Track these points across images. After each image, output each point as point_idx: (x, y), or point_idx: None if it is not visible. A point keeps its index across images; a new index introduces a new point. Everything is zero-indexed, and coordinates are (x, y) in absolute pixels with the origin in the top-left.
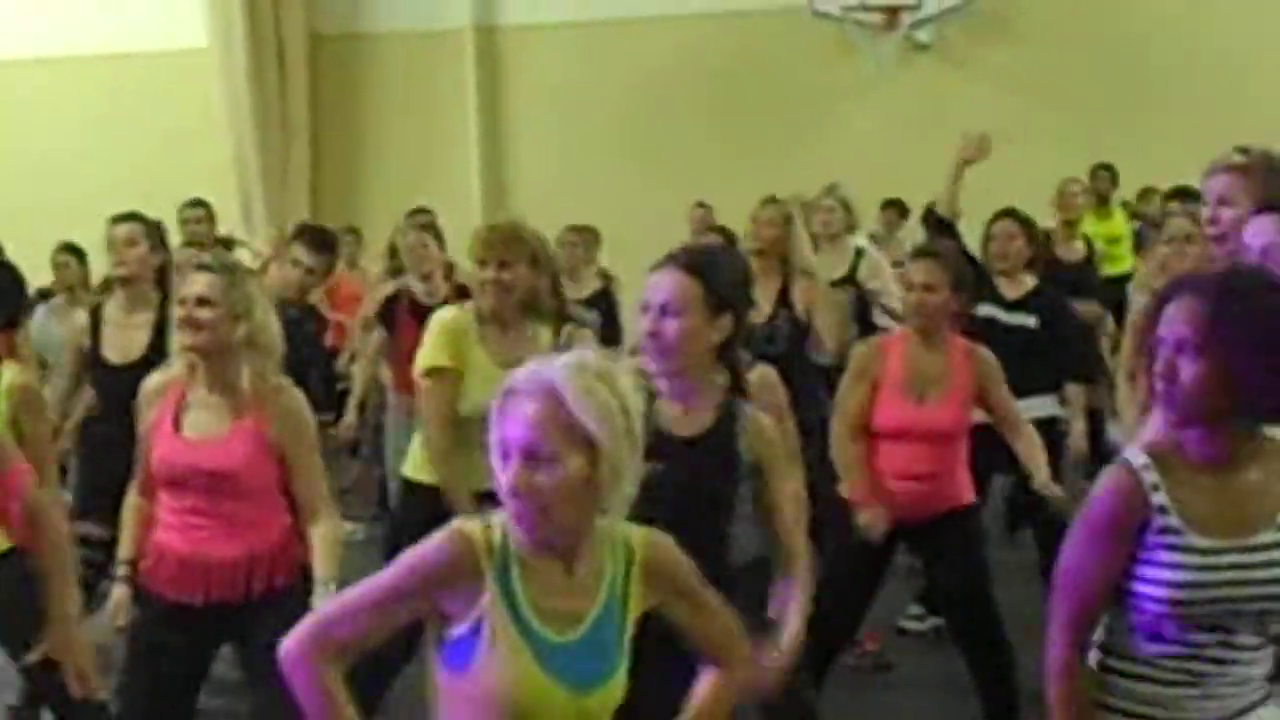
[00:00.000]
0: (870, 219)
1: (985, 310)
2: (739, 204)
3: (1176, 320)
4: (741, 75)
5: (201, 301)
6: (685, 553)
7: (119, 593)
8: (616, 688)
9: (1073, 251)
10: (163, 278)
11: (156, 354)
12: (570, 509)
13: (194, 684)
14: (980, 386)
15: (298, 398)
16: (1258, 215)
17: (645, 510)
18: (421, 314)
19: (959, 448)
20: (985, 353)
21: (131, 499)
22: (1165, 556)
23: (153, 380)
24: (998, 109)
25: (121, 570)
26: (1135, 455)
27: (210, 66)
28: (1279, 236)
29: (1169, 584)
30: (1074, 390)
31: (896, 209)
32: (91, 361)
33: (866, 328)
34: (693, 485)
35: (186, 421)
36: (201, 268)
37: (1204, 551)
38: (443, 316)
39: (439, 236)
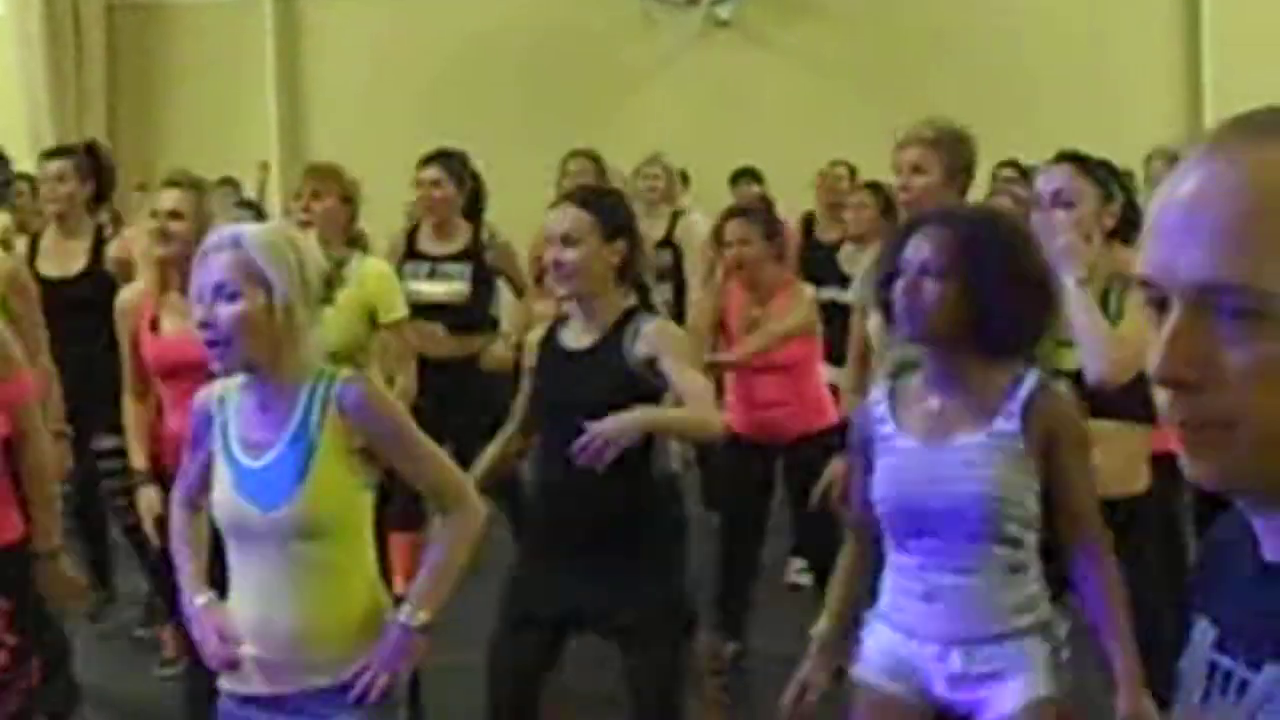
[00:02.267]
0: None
1: (827, 294)
2: (542, 177)
3: (923, 247)
4: (546, 49)
5: (173, 214)
6: (575, 468)
7: (147, 494)
8: (305, 506)
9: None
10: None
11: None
12: (249, 339)
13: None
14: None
15: None
16: (1052, 164)
17: (536, 420)
18: None
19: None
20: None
21: (129, 407)
22: (880, 460)
23: (125, 295)
24: (798, 88)
25: (140, 476)
26: (877, 390)
27: (6, 34)
28: (1069, 182)
29: (879, 482)
30: None
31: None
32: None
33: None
34: (573, 393)
35: (164, 324)
36: (172, 184)
37: (906, 451)
38: None
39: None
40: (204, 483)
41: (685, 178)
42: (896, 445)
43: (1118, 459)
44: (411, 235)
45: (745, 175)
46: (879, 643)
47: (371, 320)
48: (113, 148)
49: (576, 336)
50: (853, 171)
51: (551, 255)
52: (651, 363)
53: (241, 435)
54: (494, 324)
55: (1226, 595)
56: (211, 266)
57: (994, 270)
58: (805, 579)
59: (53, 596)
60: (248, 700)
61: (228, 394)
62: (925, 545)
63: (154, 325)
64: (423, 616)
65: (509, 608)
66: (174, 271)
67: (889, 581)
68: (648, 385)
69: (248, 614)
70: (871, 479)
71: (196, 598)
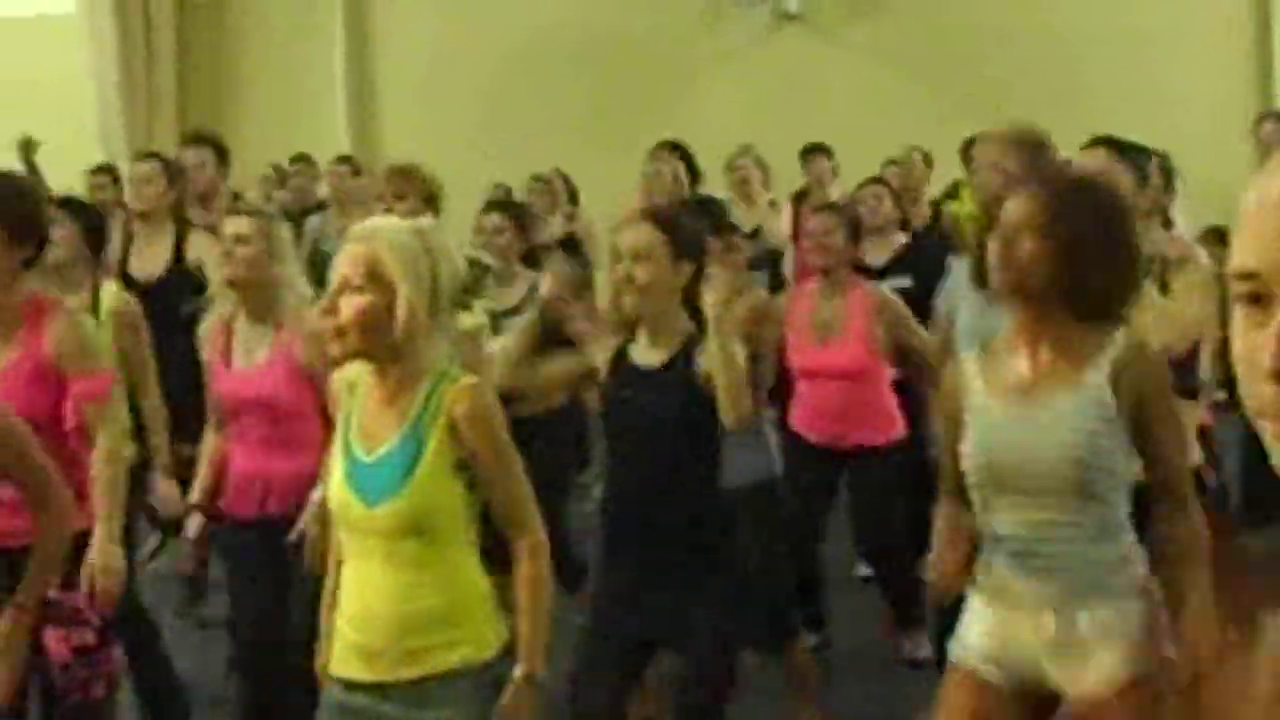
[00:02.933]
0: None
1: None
2: (608, 172)
3: (1021, 203)
4: (612, 43)
5: (238, 239)
6: (657, 478)
7: (196, 520)
8: (403, 507)
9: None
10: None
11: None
12: (366, 334)
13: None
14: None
15: None
16: (1087, 149)
17: (614, 435)
18: None
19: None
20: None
21: (208, 436)
22: (970, 427)
23: (204, 324)
24: (867, 81)
25: (191, 508)
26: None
27: (77, 33)
28: (1104, 166)
29: (968, 443)
30: None
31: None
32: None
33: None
34: (649, 410)
35: (234, 359)
36: (234, 211)
37: (997, 413)
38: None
39: None
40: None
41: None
42: (987, 405)
43: None
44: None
45: (815, 151)
46: (977, 619)
47: None
48: (184, 139)
49: (642, 355)
50: (927, 158)
51: (620, 271)
52: (710, 380)
53: (362, 425)
54: None
55: None
56: (344, 257)
57: (1091, 231)
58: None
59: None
60: (349, 686)
61: (359, 381)
62: (1015, 503)
63: (226, 357)
64: (538, 665)
65: (595, 624)
66: (246, 298)
67: (984, 550)
68: (713, 399)
69: (352, 603)
70: (962, 440)
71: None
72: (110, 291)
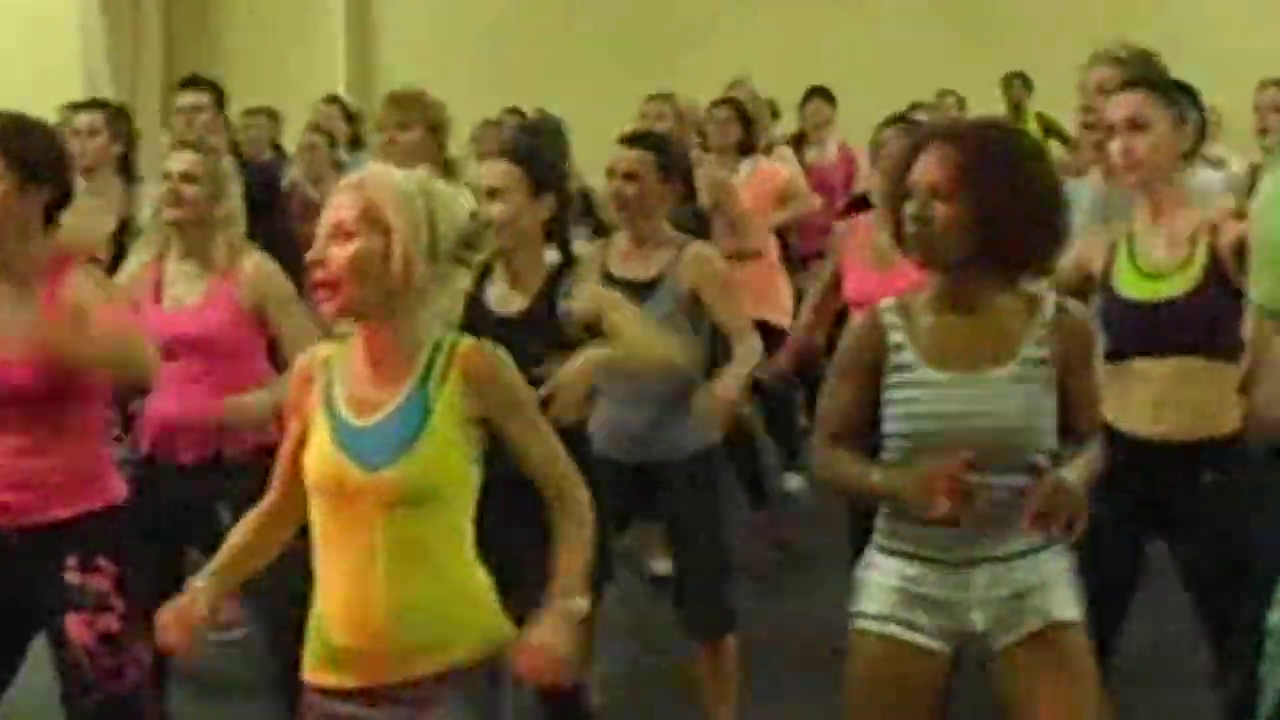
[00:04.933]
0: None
1: None
2: (612, 112)
3: (931, 166)
4: None
5: (185, 177)
6: None
7: None
8: (412, 468)
9: None
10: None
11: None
12: (359, 283)
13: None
14: None
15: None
16: (1123, 90)
17: None
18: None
19: None
20: None
21: None
22: (900, 393)
23: (130, 263)
24: (902, 12)
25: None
26: (883, 301)
27: None
28: (1140, 107)
29: (903, 417)
30: None
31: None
32: None
33: None
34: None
35: (166, 295)
36: (185, 145)
37: (936, 385)
38: None
39: None
40: (293, 470)
41: (775, 111)
42: (922, 377)
43: (1211, 396)
44: None
45: (817, 94)
46: (885, 580)
47: None
48: (170, 79)
49: (501, 300)
50: (961, 103)
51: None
52: (589, 324)
53: (350, 393)
54: None
55: None
56: (333, 205)
57: (1002, 188)
58: None
59: None
60: (333, 694)
61: (334, 356)
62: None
63: (157, 295)
64: (582, 603)
65: None
66: (185, 237)
67: (893, 512)
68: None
69: (335, 599)
70: (880, 405)
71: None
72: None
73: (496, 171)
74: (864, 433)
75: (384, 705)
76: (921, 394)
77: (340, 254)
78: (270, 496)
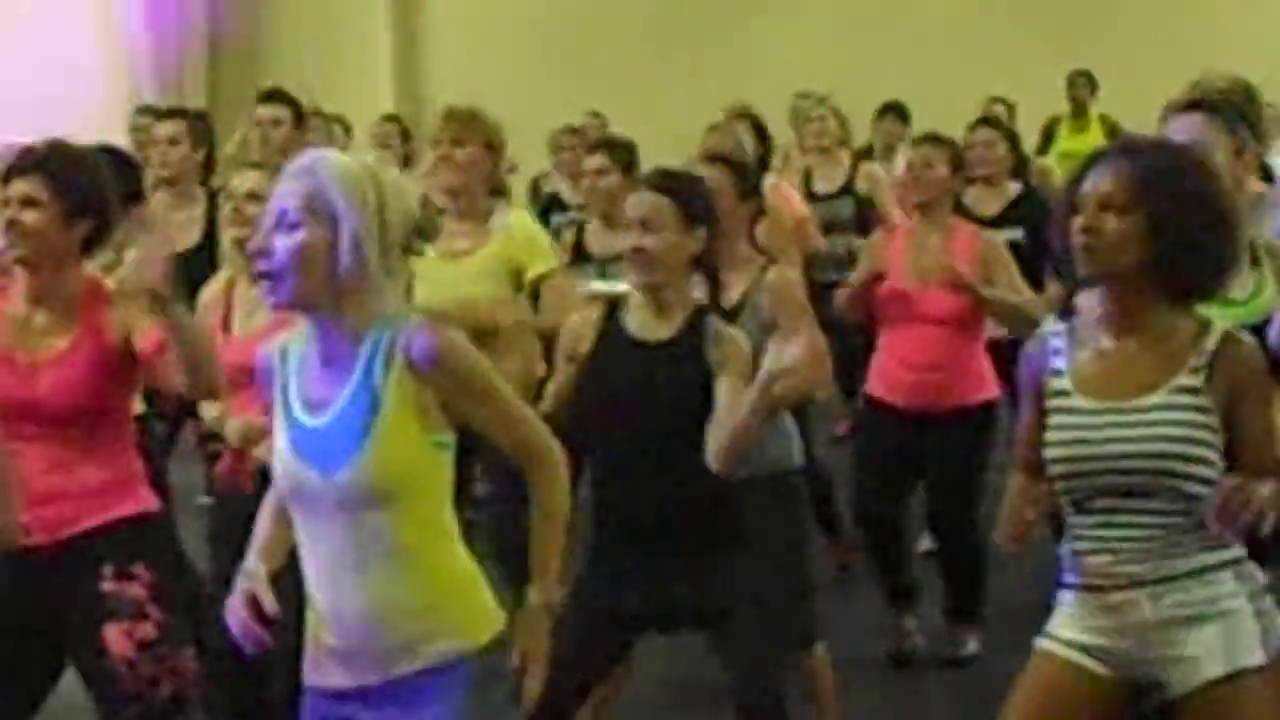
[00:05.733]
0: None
1: None
2: (668, 109)
3: (1104, 179)
4: None
5: (251, 196)
6: (652, 463)
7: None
8: (367, 469)
9: None
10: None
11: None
12: (305, 274)
13: None
14: None
15: None
16: (1180, 114)
17: (606, 414)
18: None
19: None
20: None
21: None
22: (1054, 419)
23: (206, 290)
24: (963, 7)
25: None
26: (1050, 322)
27: None
28: (1200, 135)
29: (1054, 444)
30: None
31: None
32: None
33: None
34: (650, 388)
35: (235, 324)
36: (253, 165)
37: (1085, 412)
38: None
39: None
40: None
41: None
42: (1073, 404)
43: None
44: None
45: (891, 111)
46: (1067, 610)
47: (517, 281)
48: (215, 88)
49: (645, 327)
50: (1011, 109)
51: (630, 240)
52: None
53: (303, 392)
54: None
55: None
56: (279, 193)
57: (1178, 203)
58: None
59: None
60: (330, 695)
61: (290, 346)
62: (1103, 505)
63: (226, 324)
64: (558, 589)
65: (582, 602)
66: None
67: (1070, 543)
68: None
69: (317, 600)
70: (1043, 429)
71: (249, 561)
72: None
73: (646, 201)
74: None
75: (379, 704)
76: (1071, 420)
77: (285, 244)
78: (271, 500)
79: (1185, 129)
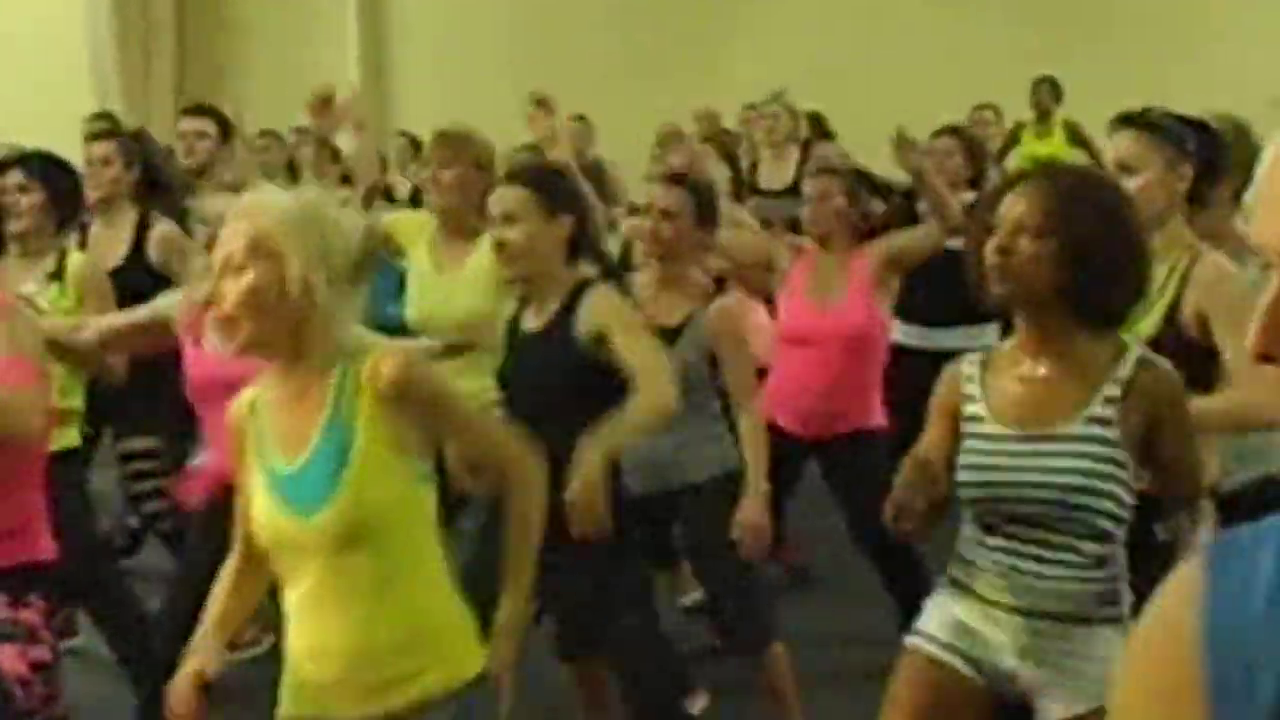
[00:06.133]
0: None
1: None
2: (643, 118)
3: (1019, 204)
4: None
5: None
6: (550, 445)
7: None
8: (344, 509)
9: None
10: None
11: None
12: (258, 317)
13: None
14: None
15: None
16: (1118, 128)
17: (509, 406)
18: None
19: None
20: None
21: None
22: (967, 443)
23: (181, 308)
24: (933, 16)
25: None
26: (967, 356)
27: None
28: (1130, 148)
29: (964, 467)
30: None
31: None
32: None
33: None
34: (538, 375)
35: (207, 339)
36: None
37: (997, 438)
38: (400, 214)
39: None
40: (249, 525)
41: (820, 122)
42: (987, 431)
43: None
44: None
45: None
46: (944, 612)
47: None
48: (181, 76)
49: (529, 318)
50: (998, 115)
51: (495, 235)
52: (600, 339)
53: (277, 434)
54: None
55: None
56: (223, 237)
57: (1094, 228)
58: None
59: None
60: None
61: (258, 398)
62: (1009, 531)
63: (197, 339)
64: (524, 607)
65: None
66: None
67: (965, 551)
68: (599, 362)
69: (299, 638)
70: (950, 451)
71: (201, 638)
72: (75, 259)
73: (508, 196)
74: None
75: None
76: (985, 446)
77: (233, 288)
78: (236, 552)
79: (1117, 144)
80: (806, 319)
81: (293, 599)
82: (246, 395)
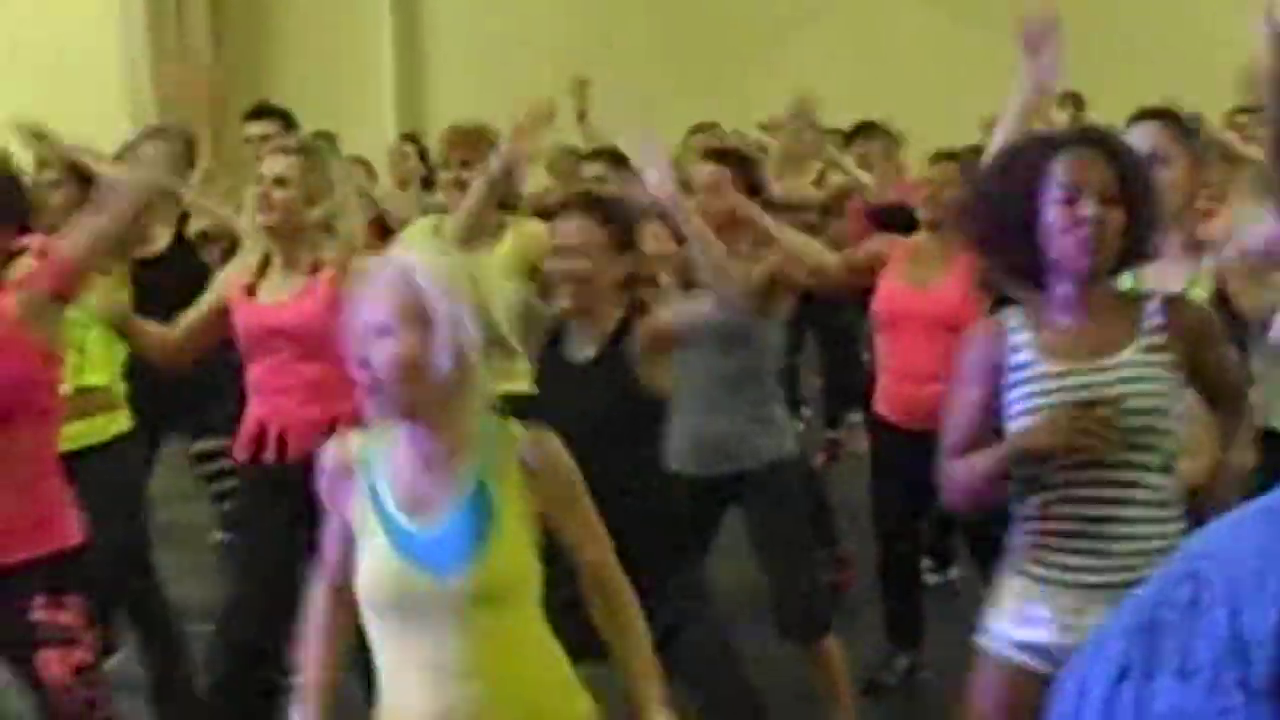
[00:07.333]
0: None
1: None
2: (676, 128)
3: (1093, 171)
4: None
5: (279, 181)
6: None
7: None
8: (485, 572)
9: None
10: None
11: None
12: (408, 385)
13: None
14: None
15: None
16: (1138, 121)
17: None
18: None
19: None
20: None
21: None
22: (1022, 390)
23: (227, 269)
24: (952, 34)
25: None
26: (1007, 310)
27: None
28: (1160, 142)
29: (1025, 414)
30: None
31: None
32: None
33: None
34: (581, 409)
35: (260, 294)
36: (280, 149)
37: (1055, 375)
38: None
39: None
40: (346, 558)
41: (850, 137)
42: (1041, 371)
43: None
44: None
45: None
46: (1015, 605)
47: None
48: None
49: (577, 350)
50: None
51: (560, 265)
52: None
53: (399, 492)
54: None
55: None
56: (372, 300)
57: (1148, 198)
58: (933, 578)
59: None
60: None
61: (373, 452)
62: (1075, 476)
63: (251, 290)
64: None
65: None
66: (278, 244)
67: (1026, 532)
68: (650, 390)
69: (413, 707)
70: (1002, 409)
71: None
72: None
73: (572, 228)
74: (987, 439)
75: None
76: (1041, 387)
77: (381, 354)
78: (322, 601)
79: (1143, 136)
80: (904, 300)
81: (406, 670)
82: (355, 443)
